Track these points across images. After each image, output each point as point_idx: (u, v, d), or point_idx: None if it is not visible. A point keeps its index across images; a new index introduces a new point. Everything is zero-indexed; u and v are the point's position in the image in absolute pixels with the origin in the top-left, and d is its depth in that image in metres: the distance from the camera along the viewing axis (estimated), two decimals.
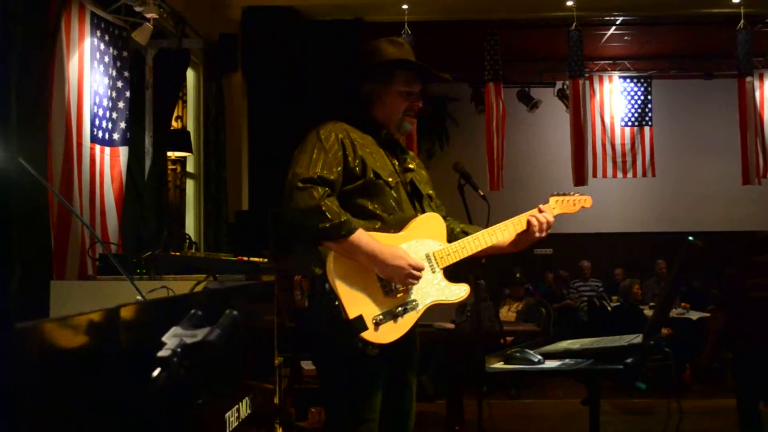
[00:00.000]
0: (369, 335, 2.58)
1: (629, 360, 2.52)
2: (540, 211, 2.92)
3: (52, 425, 1.24)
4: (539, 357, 2.68)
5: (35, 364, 1.20)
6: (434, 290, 2.73)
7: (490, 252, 2.91)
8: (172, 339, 1.32)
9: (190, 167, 7.32)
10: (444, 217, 2.96)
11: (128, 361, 1.52)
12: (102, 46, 4.85)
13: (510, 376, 8.16)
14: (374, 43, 2.92)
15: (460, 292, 2.77)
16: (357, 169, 2.72)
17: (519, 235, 2.92)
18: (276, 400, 4.29)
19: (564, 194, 3.10)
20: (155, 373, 1.27)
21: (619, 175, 10.88)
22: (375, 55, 2.88)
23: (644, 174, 10.93)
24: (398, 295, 2.65)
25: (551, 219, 2.91)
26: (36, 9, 4.19)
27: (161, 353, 1.28)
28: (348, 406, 2.71)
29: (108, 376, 1.42)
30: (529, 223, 2.89)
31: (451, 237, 2.88)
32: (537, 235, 2.88)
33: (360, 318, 2.58)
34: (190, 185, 7.34)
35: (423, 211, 2.89)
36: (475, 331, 4.56)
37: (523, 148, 12.36)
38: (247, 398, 2.53)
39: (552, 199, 3.05)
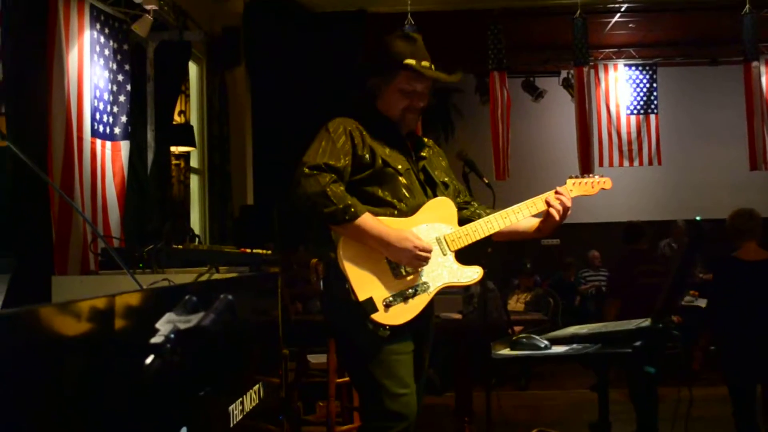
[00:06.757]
0: (379, 316, 2.63)
1: (638, 343, 2.47)
2: (557, 193, 2.88)
3: (46, 411, 1.21)
4: (546, 342, 2.64)
5: (28, 349, 1.17)
6: (446, 272, 2.76)
7: (512, 237, 2.92)
8: (165, 325, 1.29)
9: (194, 162, 7.28)
10: (468, 203, 2.99)
11: (125, 350, 1.49)
12: (102, 39, 4.82)
13: (518, 365, 8.11)
14: (388, 38, 2.94)
15: (472, 274, 2.78)
16: (366, 157, 2.76)
17: (541, 222, 2.90)
18: (282, 394, 4.26)
19: (582, 176, 3.05)
20: (149, 360, 1.23)
21: (626, 163, 10.80)
22: (384, 50, 2.91)
23: (650, 162, 10.86)
24: (408, 278, 2.70)
25: (568, 203, 2.87)
26: (33, 1, 4.17)
27: (154, 339, 1.25)
28: (375, 386, 2.74)
29: (105, 365, 1.39)
30: (548, 204, 2.85)
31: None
32: (557, 218, 2.85)
33: (370, 300, 2.63)
34: (194, 180, 7.30)
35: (435, 197, 2.89)
36: (482, 321, 4.51)
37: (529, 137, 12.30)
38: (251, 391, 2.49)
39: (569, 181, 3.02)
